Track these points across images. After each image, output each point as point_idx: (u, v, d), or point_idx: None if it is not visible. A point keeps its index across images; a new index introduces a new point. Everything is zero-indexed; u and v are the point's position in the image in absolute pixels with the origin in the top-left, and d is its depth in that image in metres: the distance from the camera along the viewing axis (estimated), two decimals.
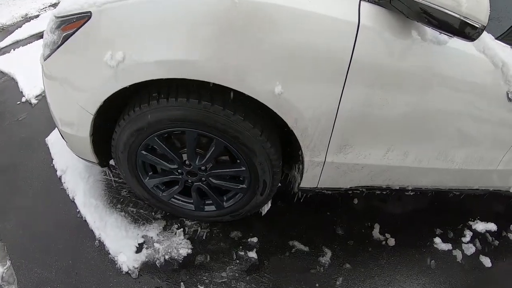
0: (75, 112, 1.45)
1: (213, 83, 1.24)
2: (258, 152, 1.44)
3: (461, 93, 1.43)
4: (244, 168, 1.53)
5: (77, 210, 1.93)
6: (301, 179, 1.64)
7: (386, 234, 1.99)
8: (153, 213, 1.94)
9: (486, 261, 1.95)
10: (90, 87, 1.35)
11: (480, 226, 2.13)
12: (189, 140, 1.45)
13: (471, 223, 2.13)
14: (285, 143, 1.59)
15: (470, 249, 1.98)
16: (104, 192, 2.01)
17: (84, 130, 1.49)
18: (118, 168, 1.67)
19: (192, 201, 1.78)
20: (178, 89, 1.34)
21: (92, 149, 1.59)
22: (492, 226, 2.14)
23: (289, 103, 1.27)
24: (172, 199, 1.79)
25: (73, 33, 1.29)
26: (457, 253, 1.95)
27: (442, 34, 1.17)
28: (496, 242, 2.08)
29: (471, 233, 2.07)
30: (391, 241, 1.96)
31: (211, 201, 1.78)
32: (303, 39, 1.18)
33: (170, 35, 1.18)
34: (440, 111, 1.46)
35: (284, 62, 1.20)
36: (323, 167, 1.57)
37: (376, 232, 2.01)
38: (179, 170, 1.61)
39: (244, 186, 1.62)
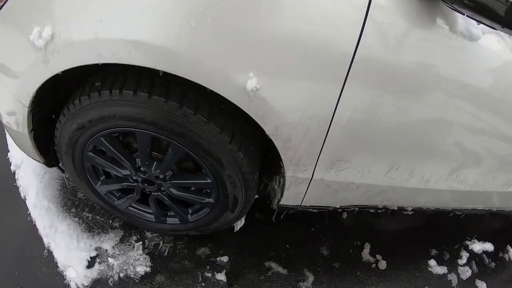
0: (10, 103, 1.18)
1: (163, 72, 0.95)
2: (226, 163, 1.15)
3: (490, 108, 1.13)
4: (210, 181, 1.24)
5: (28, 212, 1.66)
6: (281, 196, 1.35)
7: (377, 256, 1.74)
8: (110, 221, 1.66)
9: (482, 286, 1.74)
10: (19, 72, 1.07)
11: (477, 247, 1.92)
12: (140, 143, 1.17)
13: (468, 242, 1.92)
14: (265, 148, 1.30)
15: (466, 273, 1.78)
16: (59, 192, 1.74)
17: (22, 125, 1.22)
18: (64, 170, 1.39)
19: (151, 210, 1.50)
20: (125, 79, 1.05)
21: (34, 147, 1.31)
22: (489, 246, 1.94)
23: (267, 103, 0.97)
24: (130, 208, 1.51)
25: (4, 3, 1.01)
26: (453, 277, 1.74)
27: (478, 26, 0.87)
28: (493, 264, 1.88)
29: (467, 254, 1.85)
30: (382, 264, 1.71)
31: (173, 213, 1.50)
32: (294, 22, 0.88)
33: (115, 4, 0.88)
34: (464, 125, 1.17)
35: (263, 46, 0.89)
36: (309, 185, 1.27)
37: (366, 253, 1.74)
38: (133, 177, 1.33)
39: (210, 200, 1.34)
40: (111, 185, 1.40)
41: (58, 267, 1.50)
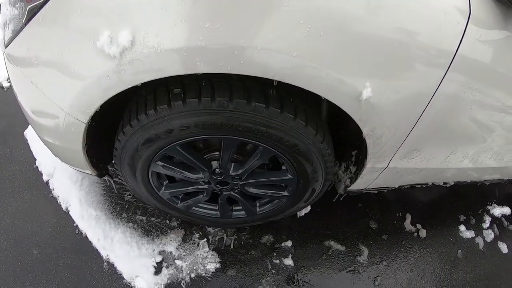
0: (59, 120, 1.00)
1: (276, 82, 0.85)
2: (315, 160, 1.08)
3: None
4: (291, 177, 1.17)
5: (75, 225, 1.52)
6: (351, 183, 1.31)
7: (417, 225, 1.79)
8: (167, 221, 1.57)
9: (503, 247, 1.82)
10: (79, 87, 0.89)
11: (497, 211, 1.98)
12: (226, 148, 1.06)
13: (489, 207, 1.97)
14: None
15: (489, 236, 1.85)
16: (104, 198, 1.60)
17: (74, 142, 1.06)
18: (123, 180, 1.26)
19: (217, 207, 1.42)
20: (212, 85, 0.92)
21: (87, 162, 1.16)
22: (507, 210, 1.99)
23: (374, 109, 0.91)
24: (193, 208, 1.42)
25: (44, 3, 0.81)
26: (479, 241, 1.81)
27: None
28: (511, 227, 1.96)
29: (489, 218, 1.92)
30: (423, 233, 1.77)
31: (240, 206, 1.43)
32: (403, 24, 0.80)
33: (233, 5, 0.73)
34: None
35: (376, 54, 0.82)
36: (382, 172, 1.24)
37: (407, 223, 1.79)
38: (205, 181, 1.23)
39: (285, 194, 1.27)
40: (177, 189, 1.30)
41: (124, 279, 1.40)
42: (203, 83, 0.92)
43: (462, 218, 1.88)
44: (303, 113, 0.96)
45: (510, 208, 2.00)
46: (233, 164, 1.15)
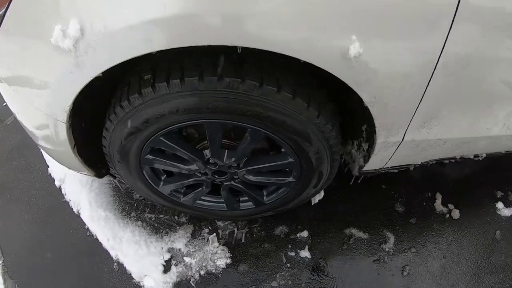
0: (43, 122, 0.92)
1: (242, 48, 0.68)
2: (313, 139, 0.90)
3: None
4: (292, 160, 1.00)
5: (86, 227, 1.44)
6: (365, 162, 1.11)
7: (449, 205, 1.54)
8: (176, 217, 1.44)
9: None
10: (49, 87, 0.80)
11: None
12: (210, 134, 0.91)
13: None
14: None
15: None
16: (113, 198, 1.51)
17: (62, 143, 0.96)
18: (121, 178, 1.16)
19: (222, 200, 1.28)
20: (182, 64, 0.78)
21: (81, 162, 1.06)
22: None
23: (369, 69, 0.72)
24: (197, 201, 1.29)
25: (5, 11, 0.72)
26: None
27: None
28: None
29: None
30: (455, 213, 1.51)
31: (247, 198, 1.28)
32: None
33: None
34: None
35: (365, 3, 0.63)
36: (398, 147, 1.03)
37: (438, 204, 1.54)
38: (201, 171, 1.09)
39: (291, 179, 1.10)
40: (175, 184, 1.17)
41: (134, 279, 1.29)
42: (172, 66, 0.78)
43: (500, 194, 1.60)
44: (288, 85, 0.79)
45: None
46: (226, 151, 1.00)
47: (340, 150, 1.01)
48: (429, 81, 0.81)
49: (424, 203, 1.55)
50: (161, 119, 0.84)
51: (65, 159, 1.09)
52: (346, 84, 0.75)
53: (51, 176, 1.61)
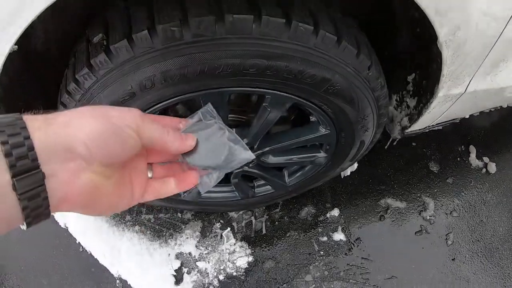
0: None
1: None
2: (361, 99, 0.62)
3: None
4: (326, 131, 0.73)
5: (77, 242, 1.17)
6: (411, 122, 0.85)
7: (484, 158, 1.34)
8: (179, 214, 1.19)
9: None
10: None
11: None
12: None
13: None
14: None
15: None
16: None
17: None
18: None
19: (232, 188, 1.02)
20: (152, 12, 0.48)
21: None
22: None
23: None
24: (203, 195, 1.02)
25: None
26: None
27: None
28: None
29: None
30: (492, 167, 1.32)
31: (263, 182, 1.02)
32: None
33: None
34: None
35: None
36: (456, 100, 0.77)
37: (473, 158, 1.34)
38: None
39: (322, 155, 0.84)
40: None
41: None
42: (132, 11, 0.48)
43: None
44: (329, 23, 0.50)
45: None
46: (234, 130, 0.72)
47: (387, 112, 0.74)
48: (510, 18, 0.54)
49: (459, 159, 1.34)
50: (131, 100, 0.55)
51: None
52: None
53: None
